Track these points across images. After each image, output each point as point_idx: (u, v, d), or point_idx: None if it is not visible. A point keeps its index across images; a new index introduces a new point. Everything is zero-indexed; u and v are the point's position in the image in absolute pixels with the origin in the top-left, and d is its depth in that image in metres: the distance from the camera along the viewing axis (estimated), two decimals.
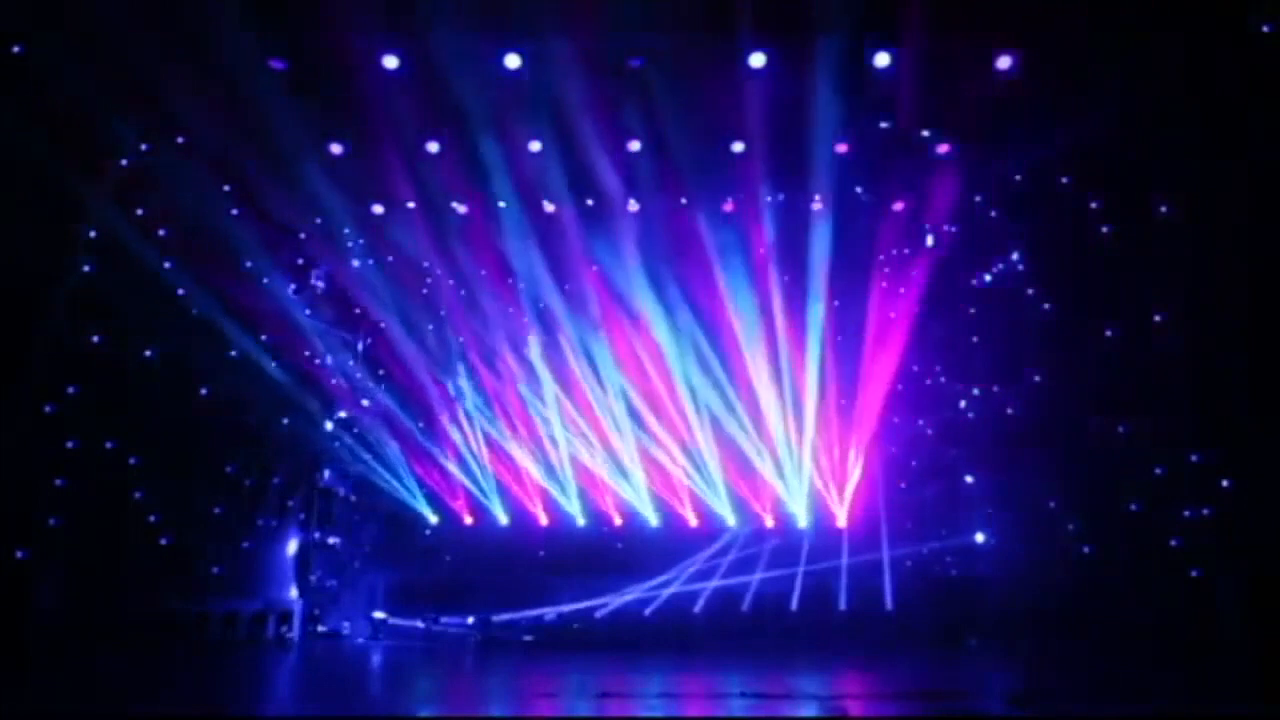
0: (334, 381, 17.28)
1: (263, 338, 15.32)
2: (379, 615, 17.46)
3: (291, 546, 16.45)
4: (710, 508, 17.33)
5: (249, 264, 14.89)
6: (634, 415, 17.63)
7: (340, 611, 17.22)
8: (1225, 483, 11.25)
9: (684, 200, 16.61)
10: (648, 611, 17.08)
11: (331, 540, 17.10)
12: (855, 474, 17.12)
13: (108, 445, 12.12)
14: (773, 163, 15.05)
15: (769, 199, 16.58)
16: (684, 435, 17.45)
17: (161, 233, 12.91)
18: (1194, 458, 11.69)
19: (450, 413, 17.89)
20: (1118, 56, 11.43)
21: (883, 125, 13.99)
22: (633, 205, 16.52)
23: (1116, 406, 12.94)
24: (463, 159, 14.84)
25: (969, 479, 16.73)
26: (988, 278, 16.50)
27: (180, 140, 12.89)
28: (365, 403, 18.05)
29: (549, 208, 16.59)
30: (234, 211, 14.10)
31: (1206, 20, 10.44)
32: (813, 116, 13.47)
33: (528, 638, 16.65)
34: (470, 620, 17.06)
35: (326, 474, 17.13)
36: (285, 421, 16.00)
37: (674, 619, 16.90)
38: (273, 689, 10.26)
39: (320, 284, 17.09)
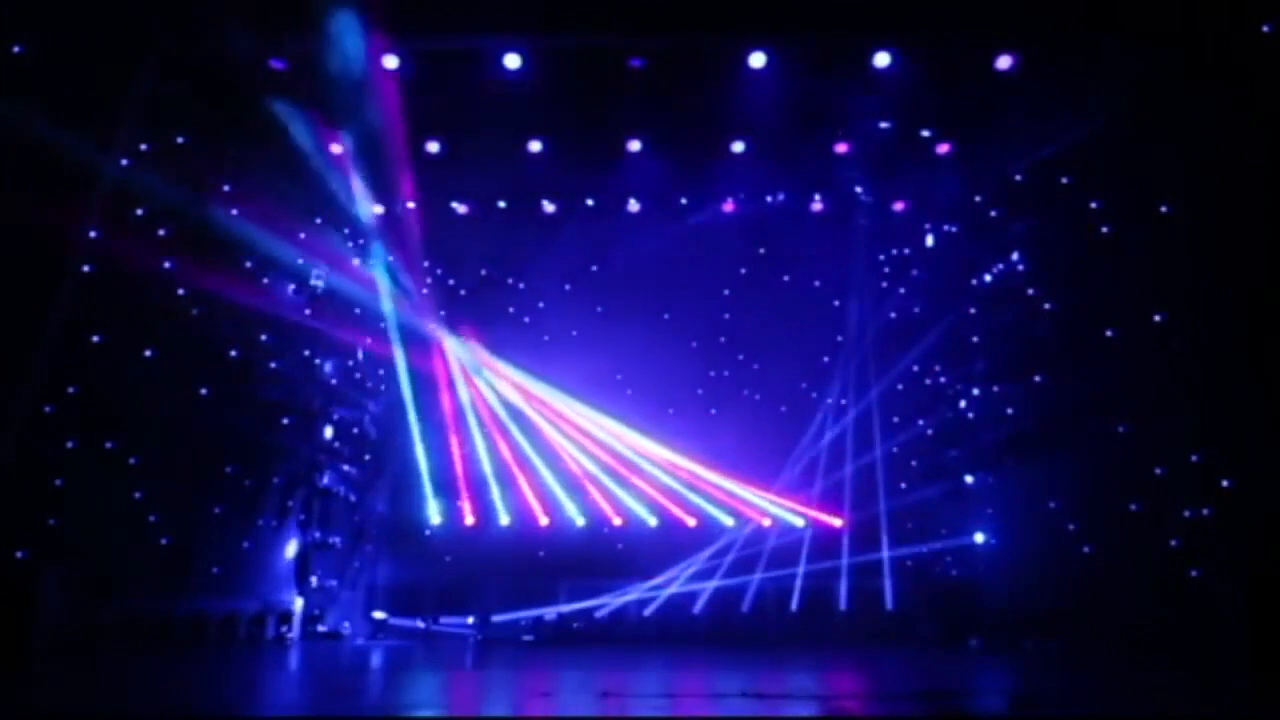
0: (334, 381, 17.31)
1: (262, 338, 15.33)
2: (379, 615, 17.48)
3: (291, 547, 16.44)
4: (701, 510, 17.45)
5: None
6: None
7: (340, 611, 17.22)
8: (1225, 483, 11.25)
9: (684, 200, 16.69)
10: (648, 611, 17.09)
11: (332, 540, 17.10)
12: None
13: (108, 445, 12.12)
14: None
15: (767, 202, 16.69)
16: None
17: (162, 232, 12.91)
18: (1194, 458, 11.68)
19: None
20: (1119, 56, 11.43)
21: (883, 125, 14.01)
22: (633, 205, 16.60)
23: (1117, 407, 12.93)
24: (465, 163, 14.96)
25: (969, 479, 16.74)
26: (988, 278, 16.50)
27: None
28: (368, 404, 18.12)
29: (549, 207, 16.67)
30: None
31: (1207, 20, 10.44)
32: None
33: (528, 638, 16.65)
34: (470, 620, 17.07)
35: (326, 476, 17.13)
36: (285, 421, 16.01)
37: (674, 619, 16.91)
38: (273, 689, 10.26)
39: (320, 283, 17.09)
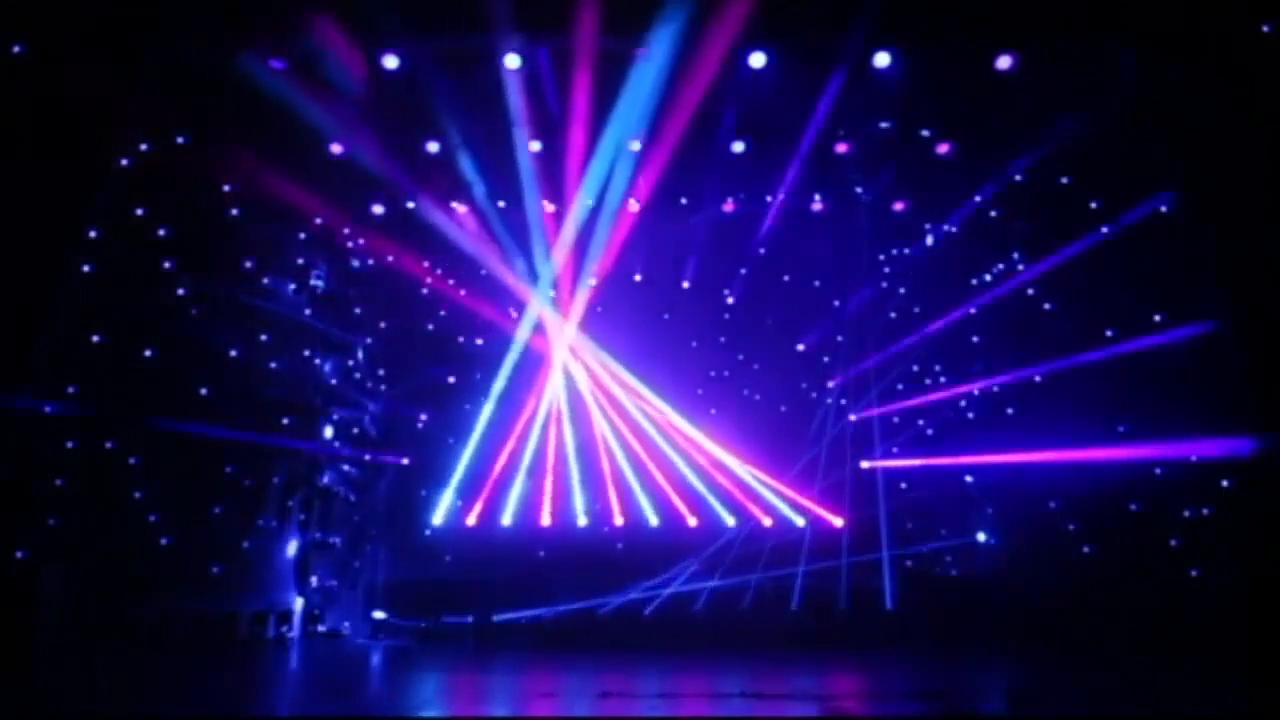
0: (334, 382, 17.29)
1: (262, 338, 15.33)
2: (379, 615, 17.45)
3: (291, 547, 16.44)
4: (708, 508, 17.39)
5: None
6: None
7: (340, 611, 17.21)
8: (1225, 483, 11.27)
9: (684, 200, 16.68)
10: (648, 611, 17.08)
11: (332, 540, 17.09)
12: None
13: (108, 445, 12.12)
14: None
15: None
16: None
17: (162, 232, 12.93)
18: (1194, 458, 11.70)
19: None
20: (1119, 56, 11.46)
21: (882, 125, 14.01)
22: (633, 205, 16.58)
23: (1117, 407, 12.94)
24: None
25: (969, 479, 16.73)
26: (988, 278, 16.50)
27: None
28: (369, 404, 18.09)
29: (549, 207, 16.66)
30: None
31: (1207, 20, 10.44)
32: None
33: (527, 638, 16.64)
34: (470, 620, 17.05)
35: (326, 476, 17.12)
36: (285, 421, 16.00)
37: (674, 619, 16.90)
38: (274, 689, 10.26)
39: (319, 283, 17.06)
